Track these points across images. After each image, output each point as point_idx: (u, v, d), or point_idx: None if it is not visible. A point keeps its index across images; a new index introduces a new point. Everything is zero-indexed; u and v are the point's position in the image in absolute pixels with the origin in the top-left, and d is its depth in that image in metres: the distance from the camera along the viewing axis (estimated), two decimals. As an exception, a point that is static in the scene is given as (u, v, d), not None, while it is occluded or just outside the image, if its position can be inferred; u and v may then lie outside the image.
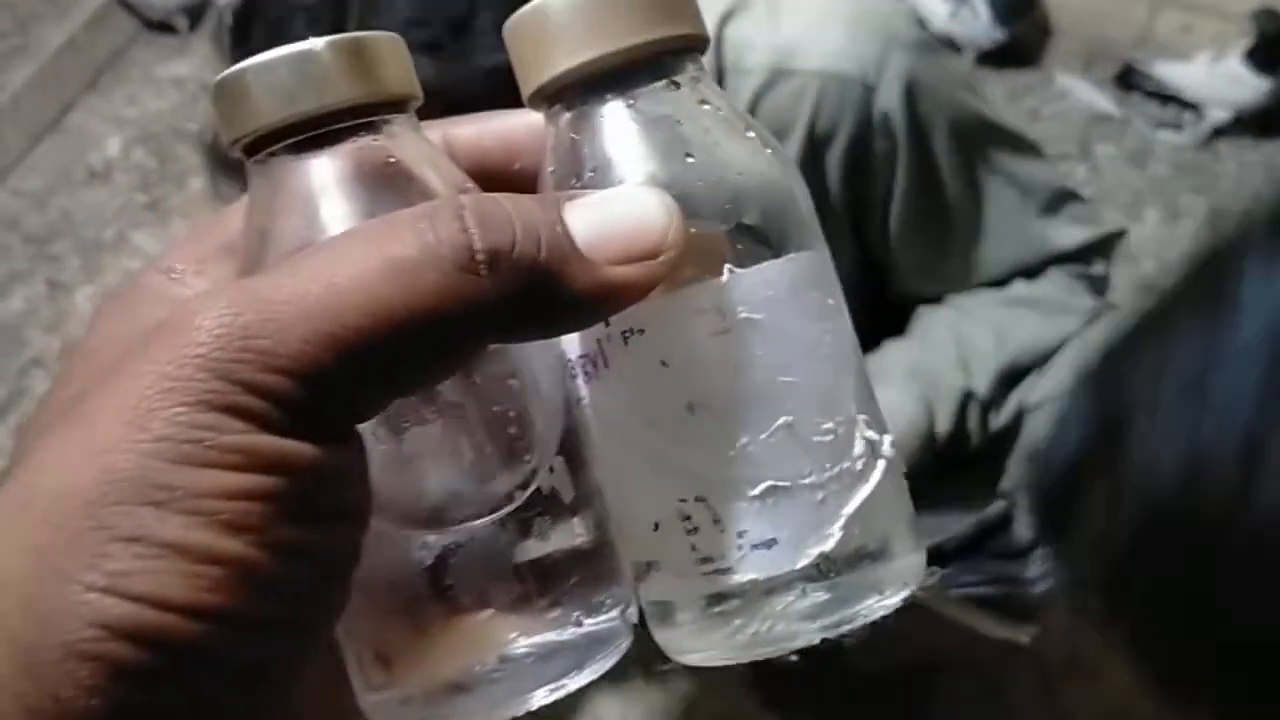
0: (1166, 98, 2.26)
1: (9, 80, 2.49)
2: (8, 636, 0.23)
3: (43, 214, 2.32)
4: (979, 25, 2.31)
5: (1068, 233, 1.15)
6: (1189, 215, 2.12)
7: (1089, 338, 1.13)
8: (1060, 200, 1.16)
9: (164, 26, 2.61)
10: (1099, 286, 1.19)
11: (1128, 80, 2.30)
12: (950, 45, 2.33)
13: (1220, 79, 2.21)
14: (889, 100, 1.04)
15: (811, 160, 1.05)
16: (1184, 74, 2.25)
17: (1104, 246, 1.19)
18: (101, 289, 2.18)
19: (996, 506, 1.16)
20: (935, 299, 1.16)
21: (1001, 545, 1.16)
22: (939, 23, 2.35)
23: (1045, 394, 1.12)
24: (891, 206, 1.09)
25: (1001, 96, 2.30)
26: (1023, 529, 1.14)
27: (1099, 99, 2.31)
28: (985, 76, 2.34)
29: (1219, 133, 2.22)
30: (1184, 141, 2.23)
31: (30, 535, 0.23)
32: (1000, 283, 1.15)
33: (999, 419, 1.14)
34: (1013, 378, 1.14)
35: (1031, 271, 1.15)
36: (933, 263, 1.15)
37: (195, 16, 2.63)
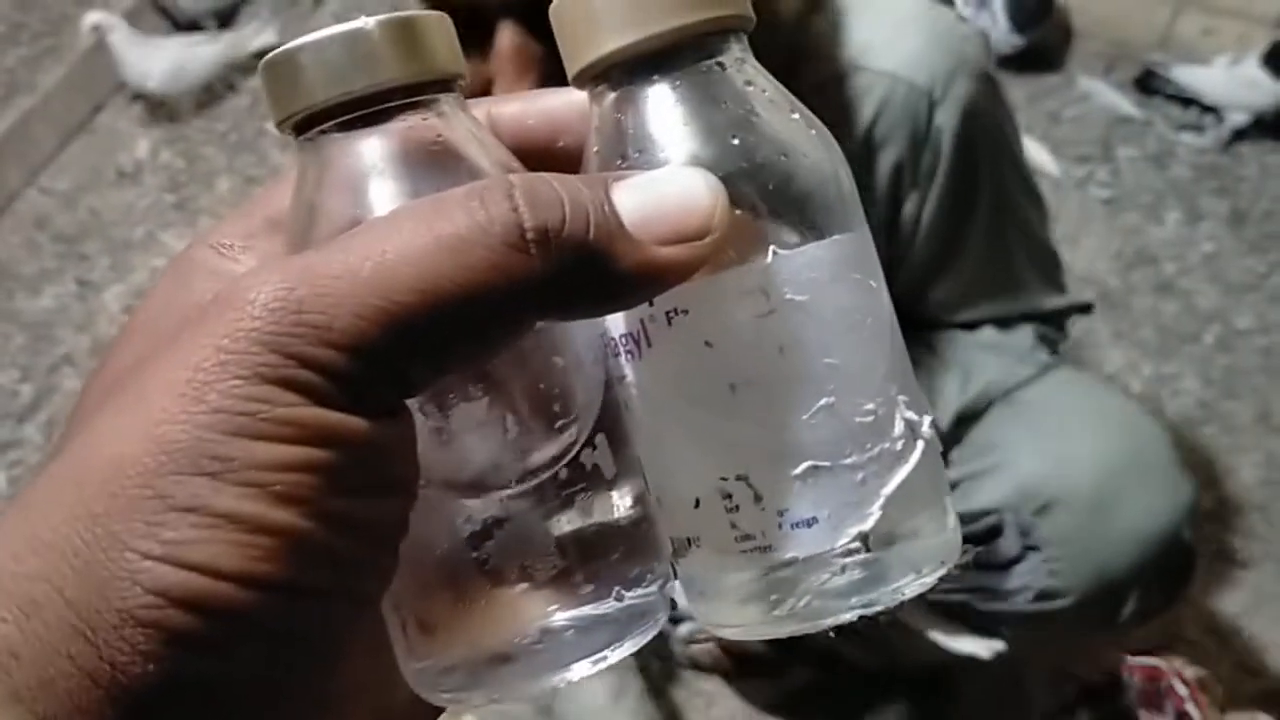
0: (1187, 100, 2.26)
1: (41, 80, 2.52)
2: (66, 602, 0.23)
3: (73, 213, 2.35)
4: (997, 31, 2.32)
5: (1048, 297, 1.24)
6: (1210, 217, 2.12)
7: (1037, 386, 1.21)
8: (1052, 264, 1.24)
9: (194, 28, 2.62)
10: (1055, 346, 1.28)
11: (1149, 83, 2.30)
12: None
13: (1239, 82, 2.21)
14: (946, 119, 1.07)
15: (865, 158, 1.07)
16: (1204, 77, 2.25)
17: (1070, 313, 1.28)
18: (130, 288, 2.20)
19: (986, 520, 1.17)
20: (906, 314, 1.18)
21: (985, 557, 1.17)
22: (959, 26, 2.35)
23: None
24: (923, 215, 1.12)
25: (1023, 99, 2.31)
26: (1009, 544, 1.15)
27: (1120, 101, 2.30)
28: (1007, 79, 2.33)
29: (1239, 135, 2.22)
30: (1205, 144, 2.23)
31: (88, 504, 0.24)
32: (973, 323, 1.21)
33: (955, 455, 1.20)
34: (970, 417, 1.21)
35: (1005, 321, 1.22)
36: (927, 283, 1.18)
37: (225, 19, 2.66)
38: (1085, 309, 1.30)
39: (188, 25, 2.64)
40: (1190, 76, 2.25)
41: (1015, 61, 2.34)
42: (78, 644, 0.23)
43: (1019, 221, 1.18)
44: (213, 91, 2.52)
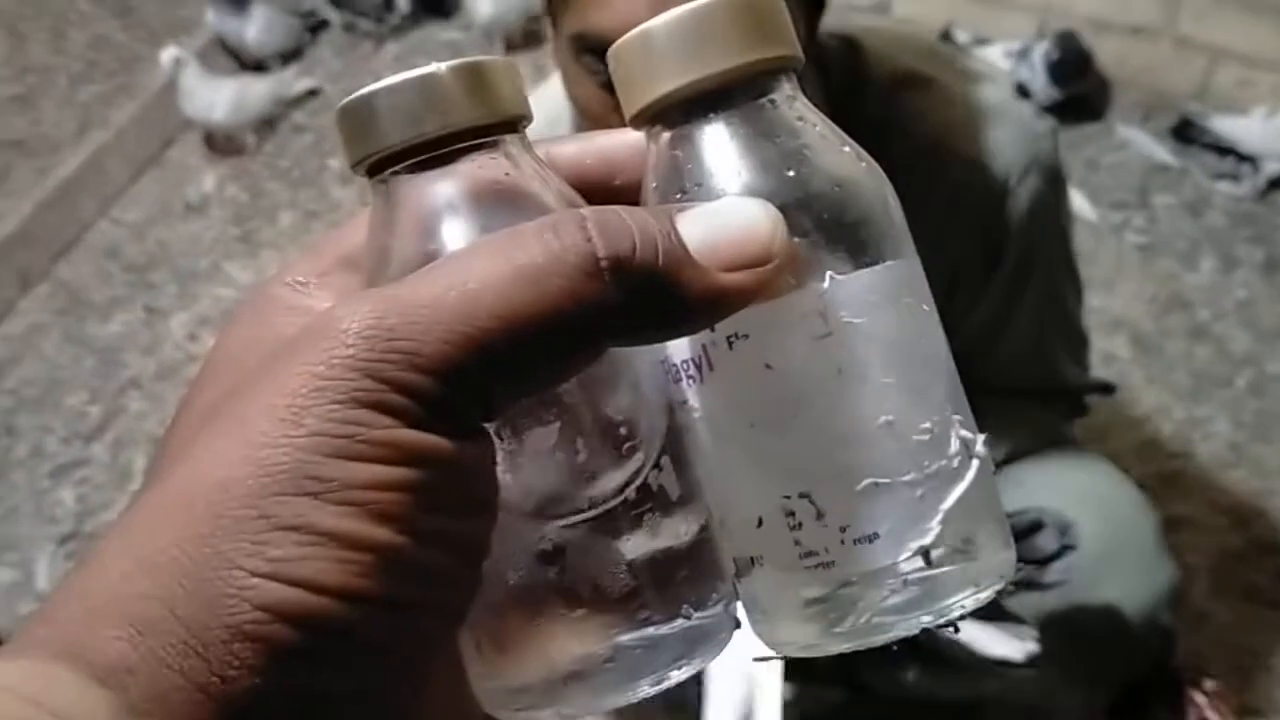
0: (1224, 150, 2.27)
1: (114, 116, 2.63)
2: (178, 619, 0.24)
3: (142, 244, 2.45)
4: (1037, 83, 2.34)
5: (1076, 373, 1.32)
6: (1244, 264, 2.13)
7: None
8: (1081, 344, 1.32)
9: (260, 68, 2.71)
10: (1074, 414, 1.37)
11: (1186, 132, 2.31)
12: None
13: (1274, 133, 2.21)
14: (1015, 209, 1.12)
15: (938, 234, 1.11)
16: (1240, 127, 2.26)
17: (1092, 390, 1.36)
18: (195, 315, 2.29)
19: (1025, 516, 1.21)
20: None
21: (1024, 551, 1.20)
22: (998, 77, 2.38)
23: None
24: (975, 303, 1.19)
25: (1062, 146, 2.30)
26: (1048, 540, 1.17)
27: (1158, 150, 2.31)
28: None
29: (1275, 184, 2.22)
30: (1240, 192, 2.23)
31: (195, 525, 0.25)
32: (1001, 389, 1.26)
33: None
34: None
35: (1035, 395, 1.30)
36: (970, 357, 1.19)
37: (289, 59, 2.74)
38: (1108, 389, 1.39)
39: (254, 66, 2.74)
40: (1227, 126, 2.26)
41: (1055, 110, 2.36)
42: (189, 659, 0.24)
43: (1062, 307, 1.26)
44: (276, 129, 2.60)
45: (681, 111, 0.32)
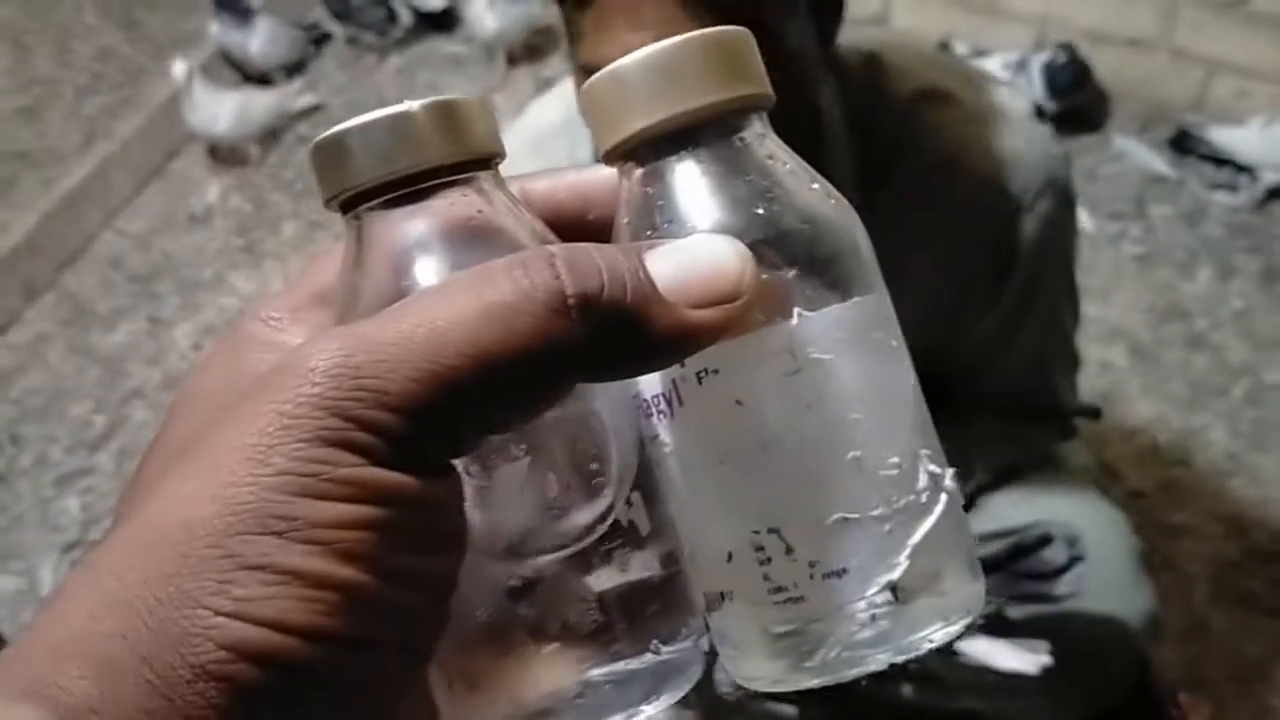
0: (1221, 160, 2.27)
1: (119, 129, 2.66)
2: (142, 659, 0.24)
3: (146, 254, 2.47)
4: (1034, 94, 2.35)
5: (1070, 394, 1.34)
6: (1241, 274, 2.13)
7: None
8: (1074, 366, 1.33)
9: (263, 80, 2.73)
10: (1064, 435, 1.38)
11: (1183, 143, 2.31)
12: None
13: (1271, 143, 2.22)
14: (1026, 229, 1.13)
15: (951, 249, 1.13)
16: (1237, 138, 2.26)
17: (1081, 414, 1.38)
18: (199, 325, 2.30)
19: (1034, 530, 1.22)
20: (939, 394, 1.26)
21: (1032, 565, 1.23)
22: (997, 87, 2.38)
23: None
24: (980, 320, 1.20)
25: (1063, 159, 2.33)
26: (1057, 552, 1.18)
27: (1155, 161, 2.32)
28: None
29: (1273, 194, 2.22)
30: (1237, 203, 2.23)
31: (161, 565, 0.25)
32: (998, 406, 1.29)
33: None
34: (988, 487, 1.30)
35: (1032, 412, 1.31)
36: (970, 374, 1.25)
37: (292, 71, 2.76)
38: (1095, 414, 1.41)
39: (258, 78, 2.75)
40: (1224, 137, 2.27)
41: (1053, 121, 2.36)
42: (154, 700, 0.24)
43: (1060, 329, 1.27)
44: (279, 140, 2.61)
45: (653, 149, 0.32)
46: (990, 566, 1.19)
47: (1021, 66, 2.37)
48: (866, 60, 1.12)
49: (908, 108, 1.11)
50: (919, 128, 1.11)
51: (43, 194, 2.53)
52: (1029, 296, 1.19)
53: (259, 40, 2.74)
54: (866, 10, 2.66)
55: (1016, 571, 1.22)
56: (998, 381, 1.26)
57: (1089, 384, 1.93)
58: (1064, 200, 1.15)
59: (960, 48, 2.50)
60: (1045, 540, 1.21)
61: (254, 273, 2.40)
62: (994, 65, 2.42)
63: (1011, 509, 1.26)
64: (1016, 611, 1.21)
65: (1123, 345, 2.02)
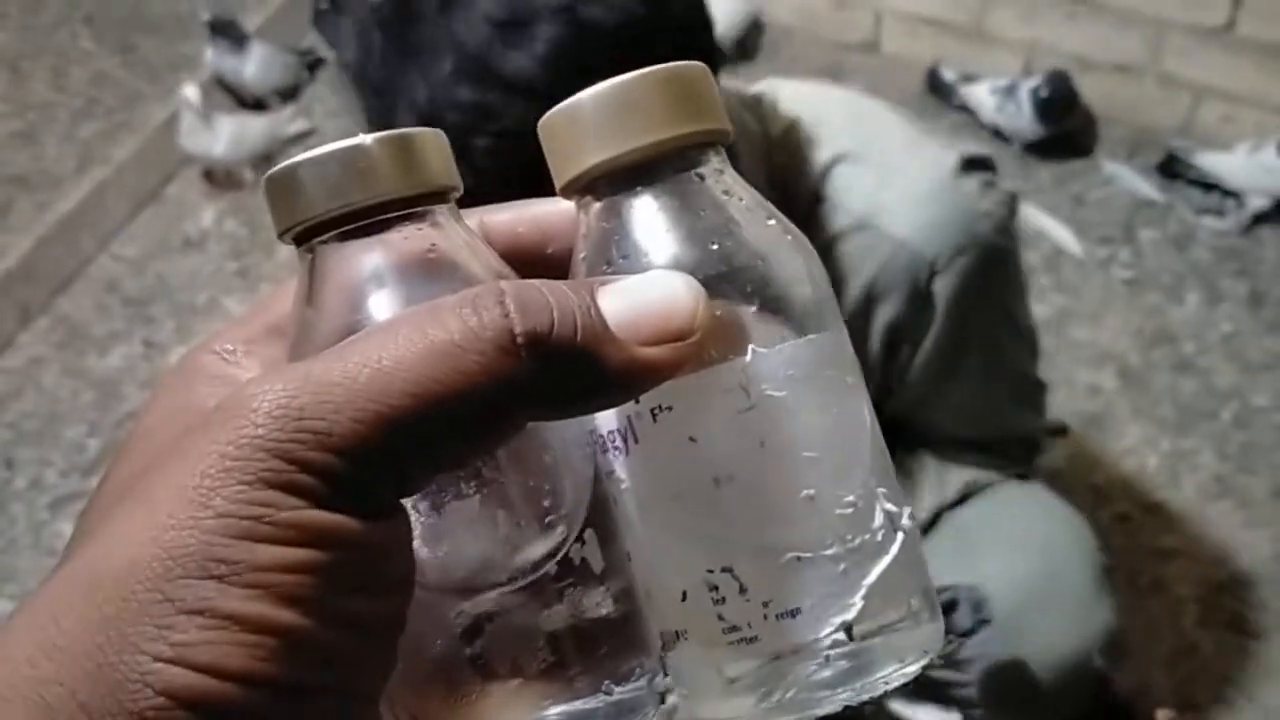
0: (1208, 185, 2.28)
1: (114, 153, 2.66)
2: (80, 705, 0.24)
3: (141, 278, 2.46)
4: (1023, 120, 2.35)
5: (1031, 419, 1.36)
6: (1229, 298, 2.14)
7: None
8: (1037, 393, 1.34)
9: (259, 105, 2.73)
10: (1031, 456, 1.39)
11: (1171, 168, 2.31)
12: (998, 135, 2.40)
13: (1258, 168, 2.23)
14: (944, 287, 1.13)
15: (864, 309, 1.14)
16: (1225, 163, 2.27)
17: (1048, 432, 1.39)
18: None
19: (943, 595, 1.20)
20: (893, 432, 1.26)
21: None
22: (987, 114, 2.41)
23: None
24: (913, 364, 1.20)
25: (1048, 181, 2.35)
26: (963, 617, 1.19)
27: (1143, 185, 2.32)
28: (1033, 163, 2.39)
29: (1259, 219, 2.23)
30: (1225, 227, 2.24)
31: (100, 608, 0.25)
32: (955, 438, 1.30)
33: None
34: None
35: (985, 446, 1.32)
36: (914, 414, 1.27)
37: (288, 95, 2.76)
38: (1061, 431, 1.42)
39: (253, 103, 2.76)
40: (1211, 162, 2.27)
41: (1041, 147, 2.39)
42: None
43: (1009, 368, 1.28)
44: (274, 164, 2.61)
45: (609, 183, 0.32)
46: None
47: (1010, 92, 2.38)
48: (788, 127, 1.14)
49: (821, 175, 1.13)
50: (834, 186, 1.12)
51: (38, 218, 2.53)
52: (959, 345, 1.19)
53: (254, 65, 2.74)
54: (856, 36, 2.67)
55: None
56: (945, 414, 1.28)
57: (1078, 407, 1.94)
58: (988, 255, 1.15)
59: (949, 74, 2.51)
60: (951, 605, 1.20)
61: (248, 297, 2.39)
62: (982, 91, 2.43)
63: (963, 532, 1.27)
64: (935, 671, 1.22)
65: (1112, 368, 2.02)
